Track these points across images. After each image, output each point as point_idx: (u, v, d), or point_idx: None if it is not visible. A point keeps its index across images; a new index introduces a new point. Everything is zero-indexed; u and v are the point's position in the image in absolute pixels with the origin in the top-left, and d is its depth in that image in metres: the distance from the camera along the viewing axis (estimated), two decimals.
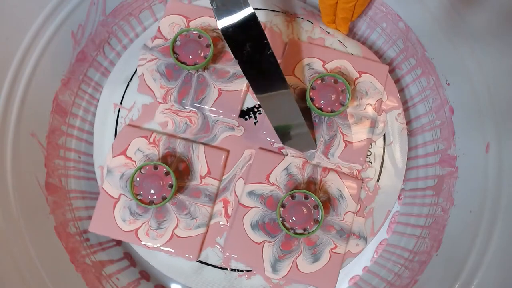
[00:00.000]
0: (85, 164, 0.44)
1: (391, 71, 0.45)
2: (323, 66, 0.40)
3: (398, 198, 0.46)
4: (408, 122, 0.45)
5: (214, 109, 0.38)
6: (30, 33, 0.37)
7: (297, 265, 0.36)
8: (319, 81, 0.37)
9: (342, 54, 0.40)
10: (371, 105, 0.39)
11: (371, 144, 0.39)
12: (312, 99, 0.37)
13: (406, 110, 0.45)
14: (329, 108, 0.36)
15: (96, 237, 0.42)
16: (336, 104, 0.36)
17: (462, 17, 0.36)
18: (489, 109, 0.36)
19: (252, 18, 0.30)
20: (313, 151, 0.38)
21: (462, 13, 0.36)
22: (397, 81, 0.45)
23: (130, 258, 0.45)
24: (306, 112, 0.38)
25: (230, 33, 0.30)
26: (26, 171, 0.37)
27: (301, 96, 0.39)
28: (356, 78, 0.39)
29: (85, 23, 0.41)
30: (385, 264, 0.43)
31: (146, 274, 0.45)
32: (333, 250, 0.36)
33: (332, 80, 0.37)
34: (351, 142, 0.38)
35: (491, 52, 0.35)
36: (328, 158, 0.38)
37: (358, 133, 0.38)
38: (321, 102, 0.36)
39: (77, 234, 0.40)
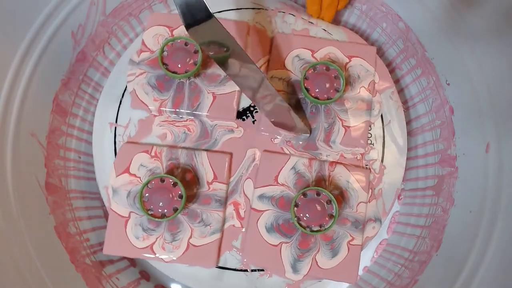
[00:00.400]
0: (85, 164, 0.44)
1: (391, 72, 0.45)
2: (312, 55, 0.40)
3: (398, 198, 0.46)
4: (408, 122, 0.45)
5: (211, 114, 0.38)
6: (30, 33, 0.37)
7: (317, 262, 0.35)
8: (311, 71, 0.37)
9: (329, 42, 0.40)
10: (364, 87, 0.39)
11: (370, 126, 0.39)
12: (307, 89, 0.37)
13: (406, 110, 0.45)
14: (325, 96, 0.37)
15: (96, 237, 0.42)
16: (331, 90, 0.37)
17: (462, 17, 0.36)
18: (489, 109, 0.36)
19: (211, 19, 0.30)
20: (307, 135, 0.38)
21: (462, 13, 0.36)
22: (397, 81, 0.45)
23: (130, 258, 0.45)
24: (299, 103, 0.39)
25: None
26: (26, 171, 0.37)
27: (293, 87, 0.39)
28: (347, 63, 0.39)
29: (85, 23, 0.41)
30: (385, 264, 0.43)
31: (146, 274, 0.45)
32: (350, 243, 0.36)
33: (324, 68, 0.37)
34: (350, 127, 0.38)
35: (491, 52, 0.35)
36: (330, 146, 0.38)
37: (356, 117, 0.38)
38: (316, 90, 0.37)
39: (77, 234, 0.40)
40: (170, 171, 0.37)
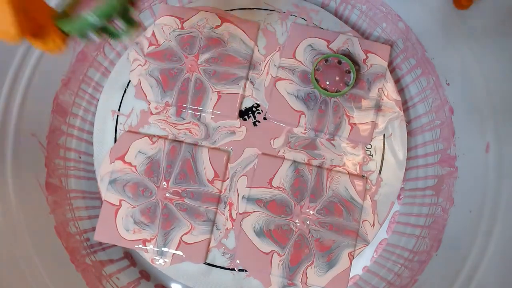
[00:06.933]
0: (85, 164, 0.44)
1: (391, 71, 0.45)
2: (327, 46, 0.40)
3: (398, 197, 0.46)
4: (408, 122, 0.45)
5: (215, 112, 0.38)
6: None
7: (307, 278, 0.36)
8: (322, 62, 0.37)
9: (346, 34, 0.40)
10: (376, 88, 0.39)
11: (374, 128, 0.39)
12: (317, 80, 0.37)
13: (406, 110, 0.45)
14: (333, 88, 0.37)
15: None
16: (341, 84, 0.37)
17: (462, 17, 0.36)
18: (489, 109, 0.36)
19: None
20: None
21: (462, 13, 0.36)
22: (397, 81, 0.45)
23: (130, 257, 0.45)
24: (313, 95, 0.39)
25: None
26: (27, 171, 0.37)
27: (302, 78, 0.39)
28: (365, 60, 0.40)
29: None
30: (385, 264, 0.43)
31: (146, 273, 0.45)
32: (351, 253, 0.36)
33: (336, 61, 0.37)
34: (357, 124, 0.38)
35: (491, 52, 0.35)
36: (333, 145, 0.38)
37: (364, 115, 0.38)
38: (326, 83, 0.37)
39: (77, 234, 0.40)
40: (171, 156, 0.37)
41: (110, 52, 0.45)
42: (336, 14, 0.45)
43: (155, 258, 0.36)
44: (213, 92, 0.38)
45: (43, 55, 0.38)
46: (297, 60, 0.39)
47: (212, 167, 0.37)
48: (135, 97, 0.39)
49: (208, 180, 0.37)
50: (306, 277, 0.35)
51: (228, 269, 0.37)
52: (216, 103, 0.38)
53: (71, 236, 0.40)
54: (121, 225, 0.36)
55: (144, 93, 0.39)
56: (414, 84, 0.44)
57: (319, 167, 0.38)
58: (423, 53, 0.41)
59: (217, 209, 0.37)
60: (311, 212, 0.37)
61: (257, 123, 0.39)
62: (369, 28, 0.45)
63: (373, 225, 0.37)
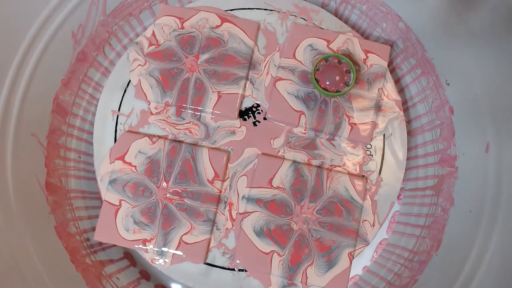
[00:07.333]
0: (85, 164, 0.44)
1: (391, 71, 0.45)
2: (327, 46, 0.40)
3: (398, 198, 0.46)
4: (408, 122, 0.45)
5: (215, 112, 0.38)
6: (31, 33, 0.37)
7: (307, 278, 0.36)
8: (322, 62, 0.37)
9: (346, 35, 0.40)
10: (377, 87, 0.39)
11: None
12: (317, 80, 0.37)
13: (406, 110, 0.45)
14: (333, 88, 0.37)
15: None
16: (341, 84, 0.37)
17: (462, 17, 0.37)
18: (489, 109, 0.36)
19: None
20: None
21: (462, 13, 0.36)
22: (397, 81, 0.45)
23: (130, 257, 0.45)
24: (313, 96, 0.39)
25: None
26: (27, 171, 0.37)
27: (302, 78, 0.39)
28: (365, 60, 0.39)
29: (85, 23, 0.41)
30: (384, 264, 0.44)
31: (146, 273, 0.45)
32: (351, 253, 0.36)
33: (336, 61, 0.37)
34: (357, 124, 0.38)
35: (491, 52, 0.35)
36: (333, 146, 0.38)
37: (364, 115, 0.38)
38: (326, 83, 0.37)
39: (77, 234, 0.40)
40: (171, 156, 0.37)
41: (110, 52, 0.45)
42: (336, 14, 0.45)
43: (155, 258, 0.36)
44: (213, 92, 0.38)
45: (43, 55, 0.38)
46: (297, 60, 0.39)
47: (212, 167, 0.37)
48: (135, 97, 0.39)
49: (208, 180, 0.37)
50: (306, 277, 0.35)
51: (228, 269, 0.37)
52: (216, 103, 0.38)
53: (71, 236, 0.40)
54: (121, 225, 0.36)
55: (144, 93, 0.39)
56: (414, 84, 0.44)
57: (319, 167, 0.38)
58: (423, 53, 0.41)
59: (217, 209, 0.37)
60: (311, 212, 0.37)
61: (257, 123, 0.39)
62: (369, 28, 0.45)
63: (373, 225, 0.37)
